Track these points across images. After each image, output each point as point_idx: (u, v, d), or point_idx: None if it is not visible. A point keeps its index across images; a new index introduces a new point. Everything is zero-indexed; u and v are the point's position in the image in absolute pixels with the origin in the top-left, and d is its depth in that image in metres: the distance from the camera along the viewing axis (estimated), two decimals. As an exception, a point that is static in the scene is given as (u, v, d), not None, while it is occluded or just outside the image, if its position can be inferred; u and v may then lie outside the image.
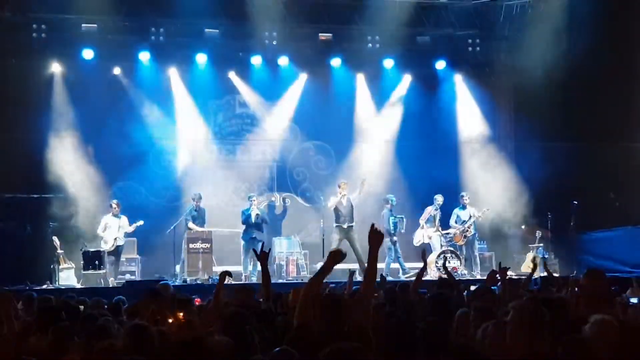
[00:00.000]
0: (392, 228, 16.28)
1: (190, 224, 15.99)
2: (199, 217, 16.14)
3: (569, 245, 17.27)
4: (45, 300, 8.23)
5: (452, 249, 16.23)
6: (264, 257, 6.75)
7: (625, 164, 17.87)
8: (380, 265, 16.12)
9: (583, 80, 17.09)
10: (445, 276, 13.15)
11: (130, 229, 15.85)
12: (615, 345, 4.50)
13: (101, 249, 15.72)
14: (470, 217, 16.55)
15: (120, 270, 15.93)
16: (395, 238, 16.32)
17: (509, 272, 16.37)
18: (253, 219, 16.06)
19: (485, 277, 14.93)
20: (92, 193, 16.57)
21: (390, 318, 5.95)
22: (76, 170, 16.59)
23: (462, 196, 16.87)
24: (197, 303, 8.67)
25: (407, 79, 18.87)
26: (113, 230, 15.73)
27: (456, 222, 16.70)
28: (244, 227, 16.25)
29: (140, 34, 17.17)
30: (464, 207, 16.74)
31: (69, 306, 6.96)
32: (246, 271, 15.96)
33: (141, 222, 15.87)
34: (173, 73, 17.73)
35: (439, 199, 16.77)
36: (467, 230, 16.52)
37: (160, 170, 17.88)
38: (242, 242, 16.24)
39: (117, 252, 15.81)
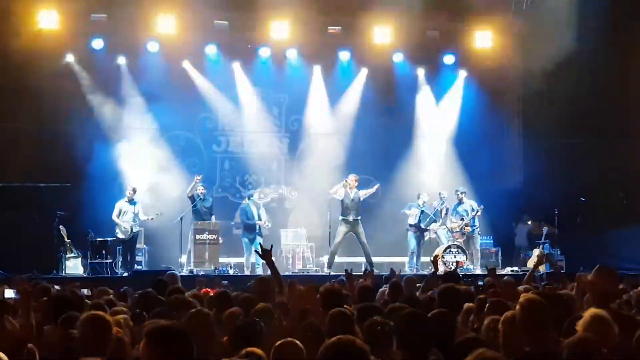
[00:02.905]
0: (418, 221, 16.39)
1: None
2: (203, 207, 16.08)
3: (576, 242, 17.25)
4: (48, 289, 8.26)
5: (458, 243, 16.22)
6: (269, 255, 6.83)
7: (634, 161, 17.82)
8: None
9: (592, 76, 17.04)
10: (451, 269, 13.20)
11: (147, 217, 15.88)
12: (611, 340, 4.50)
13: (110, 239, 15.78)
14: (473, 209, 16.50)
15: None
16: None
17: (515, 268, 16.50)
18: (255, 218, 16.07)
19: (484, 272, 15.09)
20: (100, 183, 16.60)
21: (395, 312, 5.98)
22: (84, 160, 16.63)
23: (457, 191, 16.83)
24: (204, 293, 8.71)
25: (414, 73, 18.86)
26: (128, 216, 15.74)
27: (456, 218, 16.65)
28: (244, 225, 16.20)
29: (149, 24, 17.16)
30: (460, 203, 16.71)
31: (77, 296, 6.99)
32: (248, 264, 15.98)
33: (160, 213, 15.92)
34: (182, 63, 17.73)
35: (444, 193, 16.76)
36: (465, 228, 16.47)
37: (168, 161, 17.91)
38: (245, 240, 16.11)
39: (132, 240, 15.83)
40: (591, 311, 4.75)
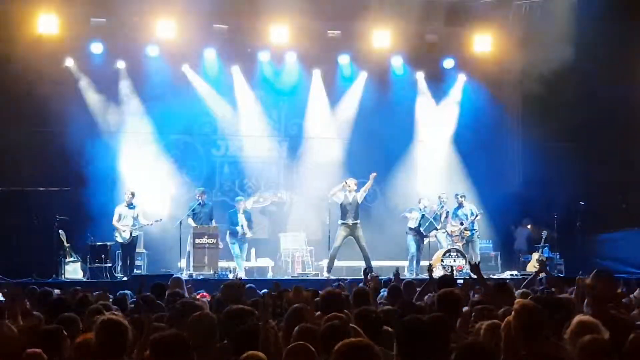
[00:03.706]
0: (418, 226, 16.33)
1: (190, 220, 15.98)
2: (202, 212, 16.12)
3: (575, 246, 17.25)
4: (49, 293, 8.26)
5: (457, 247, 16.21)
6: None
7: (633, 165, 17.82)
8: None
9: (592, 80, 17.04)
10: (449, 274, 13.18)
11: (147, 222, 15.88)
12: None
13: (109, 243, 15.79)
14: (473, 213, 16.49)
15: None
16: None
17: (514, 272, 16.50)
18: (240, 223, 16.24)
19: (487, 277, 15.08)
20: (99, 187, 16.59)
21: (393, 315, 5.99)
22: (83, 164, 16.63)
23: (457, 195, 16.83)
24: (202, 297, 8.72)
25: (413, 77, 18.86)
26: (128, 220, 15.74)
27: (456, 222, 16.65)
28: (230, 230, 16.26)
29: (149, 28, 17.15)
30: (460, 206, 16.71)
31: (77, 299, 6.98)
32: (241, 268, 16.06)
33: (160, 219, 15.92)
34: (182, 67, 17.72)
35: (443, 196, 16.75)
36: (465, 232, 16.46)
37: (167, 165, 17.92)
38: (232, 245, 16.23)
39: (132, 244, 15.83)
40: (578, 318, 4.76)
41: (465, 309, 6.46)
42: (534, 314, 4.67)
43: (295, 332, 4.99)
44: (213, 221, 16.16)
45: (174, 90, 17.40)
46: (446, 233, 16.54)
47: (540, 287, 10.13)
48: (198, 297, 8.90)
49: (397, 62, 18.50)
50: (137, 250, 16.27)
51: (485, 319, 5.60)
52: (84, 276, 15.45)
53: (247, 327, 5.05)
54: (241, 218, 16.29)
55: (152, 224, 15.97)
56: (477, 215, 16.49)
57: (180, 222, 15.94)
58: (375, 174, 16.00)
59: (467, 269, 15.90)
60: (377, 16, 17.52)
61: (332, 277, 14.53)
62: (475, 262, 8.95)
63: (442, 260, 15.83)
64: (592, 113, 17.35)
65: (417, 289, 9.03)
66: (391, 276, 11.08)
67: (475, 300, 6.89)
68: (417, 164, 18.49)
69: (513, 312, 4.70)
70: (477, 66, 18.67)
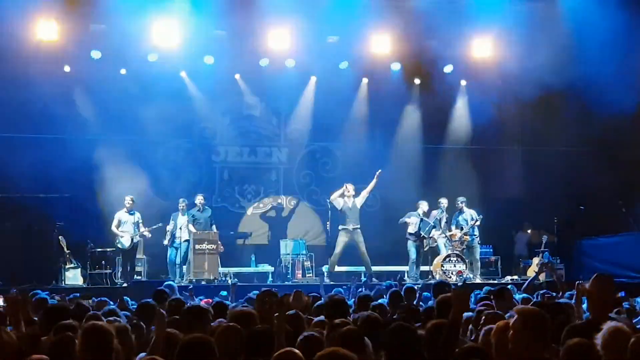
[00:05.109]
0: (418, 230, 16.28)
1: (190, 226, 15.96)
2: (202, 218, 16.11)
3: (575, 250, 17.23)
4: (51, 300, 8.27)
5: (457, 252, 16.19)
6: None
7: (634, 170, 17.82)
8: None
9: (592, 85, 17.03)
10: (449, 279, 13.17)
11: (147, 229, 15.86)
12: (625, 353, 4.50)
13: (109, 249, 15.79)
14: (473, 219, 16.47)
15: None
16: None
17: (515, 276, 16.50)
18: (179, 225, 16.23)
19: (484, 282, 15.10)
20: (99, 193, 16.60)
21: (394, 321, 5.97)
22: (83, 171, 16.63)
23: (457, 200, 16.79)
24: (203, 303, 8.71)
25: (413, 82, 18.87)
26: (128, 226, 15.73)
27: (456, 227, 16.63)
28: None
29: (148, 34, 17.14)
30: (461, 212, 16.68)
31: (78, 306, 6.97)
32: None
33: (159, 225, 15.92)
34: (181, 74, 17.73)
35: (444, 202, 16.72)
36: (464, 237, 16.42)
37: (167, 171, 17.91)
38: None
39: (132, 250, 15.83)
40: (614, 326, 4.66)
41: (467, 314, 6.45)
42: (540, 318, 4.65)
43: (300, 338, 4.98)
44: (214, 227, 16.16)
45: (173, 96, 17.39)
46: (446, 238, 16.51)
47: (542, 292, 10.14)
48: (202, 303, 8.91)
49: (397, 68, 18.49)
50: (138, 256, 16.26)
51: (491, 324, 5.58)
52: (84, 282, 15.45)
53: (261, 330, 5.04)
54: (182, 220, 16.12)
55: (151, 230, 15.95)
56: (477, 220, 16.46)
57: (180, 228, 15.93)
58: (380, 170, 15.95)
59: (467, 273, 15.90)
60: (376, 21, 17.52)
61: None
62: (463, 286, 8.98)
63: (442, 266, 15.81)
64: (593, 118, 17.34)
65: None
66: (393, 282, 11.09)
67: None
68: (417, 169, 18.47)
69: (517, 317, 4.68)
70: (477, 71, 18.66)
